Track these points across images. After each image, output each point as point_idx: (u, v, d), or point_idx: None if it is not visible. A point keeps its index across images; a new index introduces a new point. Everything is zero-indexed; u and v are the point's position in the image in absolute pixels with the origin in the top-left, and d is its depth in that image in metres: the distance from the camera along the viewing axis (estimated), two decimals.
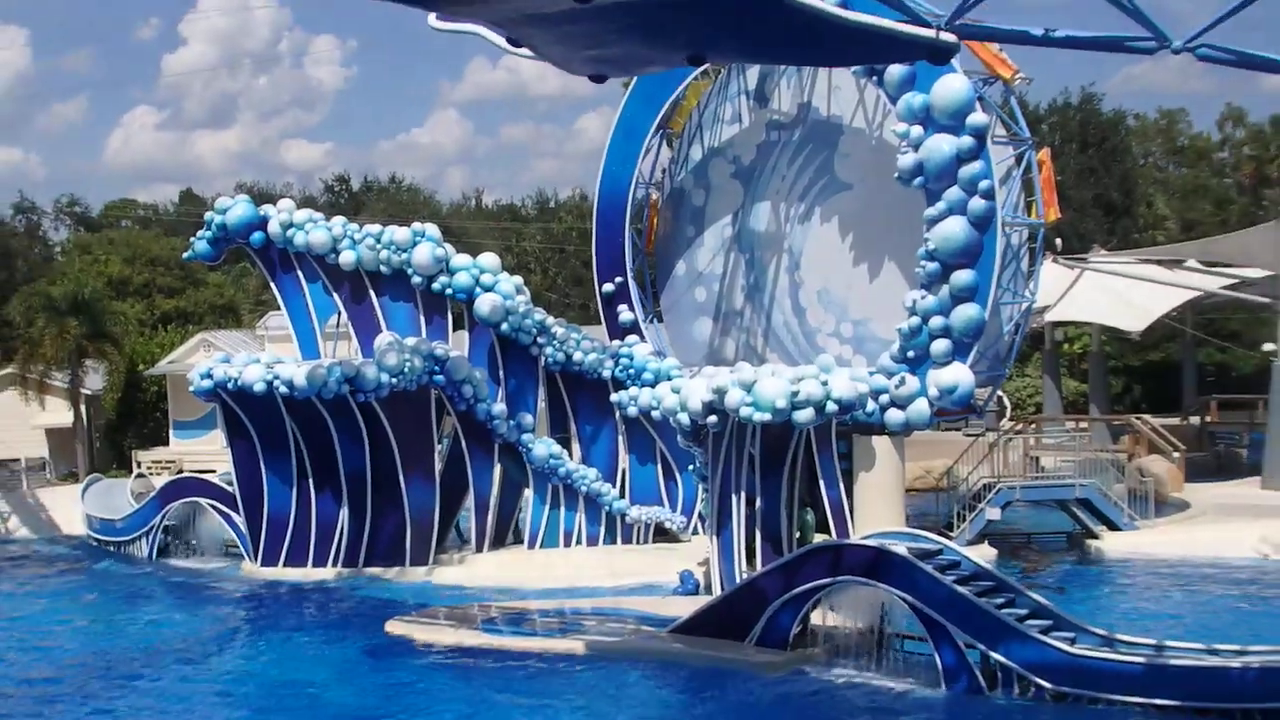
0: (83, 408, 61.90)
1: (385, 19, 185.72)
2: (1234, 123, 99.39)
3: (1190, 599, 35.76)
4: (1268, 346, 52.82)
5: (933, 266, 36.39)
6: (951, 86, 36.17)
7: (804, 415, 33.06)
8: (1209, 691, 25.47)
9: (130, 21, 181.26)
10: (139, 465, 59.75)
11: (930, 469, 45.38)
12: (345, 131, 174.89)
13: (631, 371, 42.60)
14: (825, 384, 33.33)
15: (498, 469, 42.68)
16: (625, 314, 44.61)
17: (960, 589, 27.43)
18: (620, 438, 43.50)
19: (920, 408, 35.16)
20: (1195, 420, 60.69)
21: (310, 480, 41.65)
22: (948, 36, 19.30)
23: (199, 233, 44.02)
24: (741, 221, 43.02)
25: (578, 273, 79.53)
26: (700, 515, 40.54)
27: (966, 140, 36.09)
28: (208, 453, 54.63)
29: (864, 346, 39.64)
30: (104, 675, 31.89)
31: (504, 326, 42.44)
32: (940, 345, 36.29)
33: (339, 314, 43.72)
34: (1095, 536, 41.79)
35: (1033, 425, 50.50)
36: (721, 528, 35.01)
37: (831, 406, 33.23)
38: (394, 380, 40.03)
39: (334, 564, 41.66)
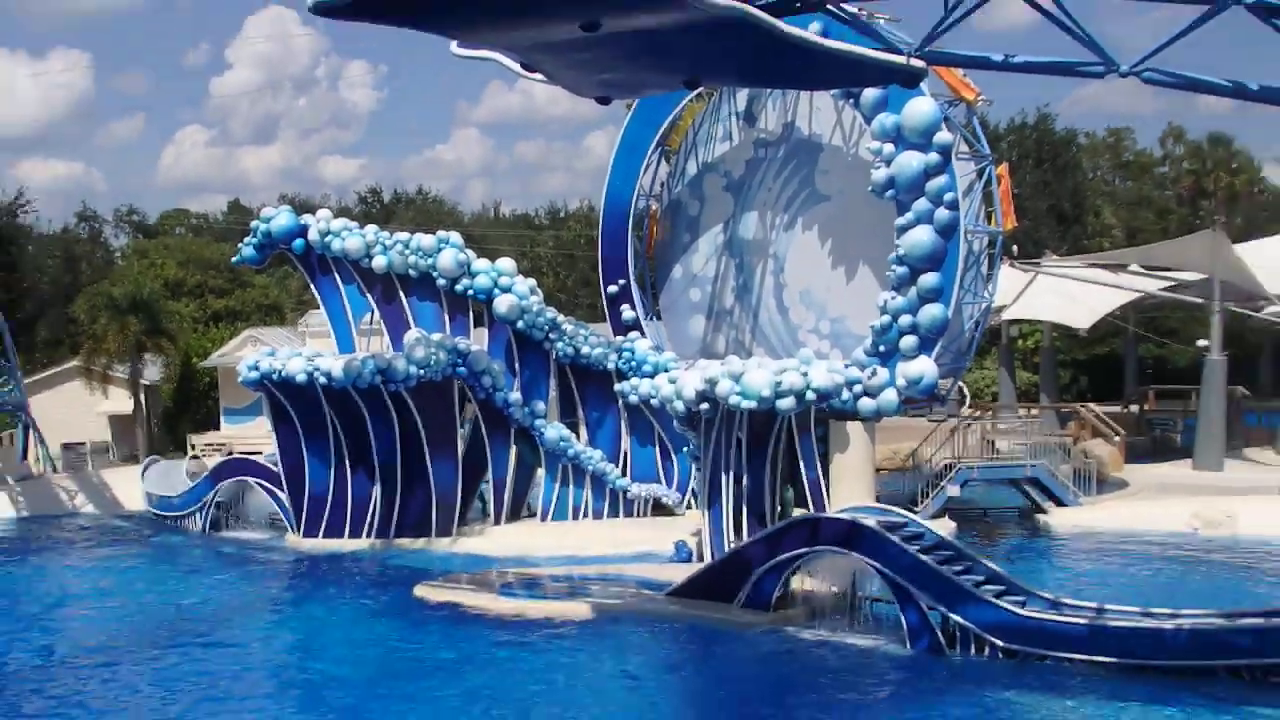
0: (142, 396, 61.94)
1: (413, 46, 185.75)
2: (1174, 140, 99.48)
3: (1128, 567, 35.81)
4: (1201, 342, 52.92)
5: (902, 270, 36.44)
6: (920, 108, 36.21)
7: (786, 403, 33.22)
8: (1144, 650, 25.54)
9: (181, 48, 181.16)
10: (193, 447, 59.76)
11: (898, 451, 45.36)
12: (377, 148, 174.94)
13: (633, 364, 42.67)
14: (805, 375, 33.47)
15: (513, 450, 42.75)
16: (628, 312, 44.66)
17: (924, 558, 27.50)
18: (623, 423, 43.54)
19: (890, 396, 35.22)
20: (1135, 408, 60.91)
21: (346, 460, 41.72)
22: (917, 63, 19.39)
23: (246, 239, 44.16)
24: (732, 230, 43.06)
25: (585, 276, 79.44)
26: (693, 492, 40.57)
27: (933, 156, 36.12)
28: (255, 436, 54.66)
29: (840, 341, 39.69)
30: (163, 634, 31.97)
31: (519, 324, 42.60)
32: (908, 341, 36.35)
33: (372, 312, 43.81)
34: (1044, 511, 41.83)
35: (989, 412, 50.57)
36: (712, 503, 35.09)
37: (811, 395, 33.39)
38: (421, 371, 40.14)
39: (368, 535, 41.72)
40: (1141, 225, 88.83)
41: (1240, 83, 19.20)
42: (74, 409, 60.97)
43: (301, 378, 40.35)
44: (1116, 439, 50.42)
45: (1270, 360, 60.64)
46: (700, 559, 35.15)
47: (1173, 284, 52.70)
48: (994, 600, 26.85)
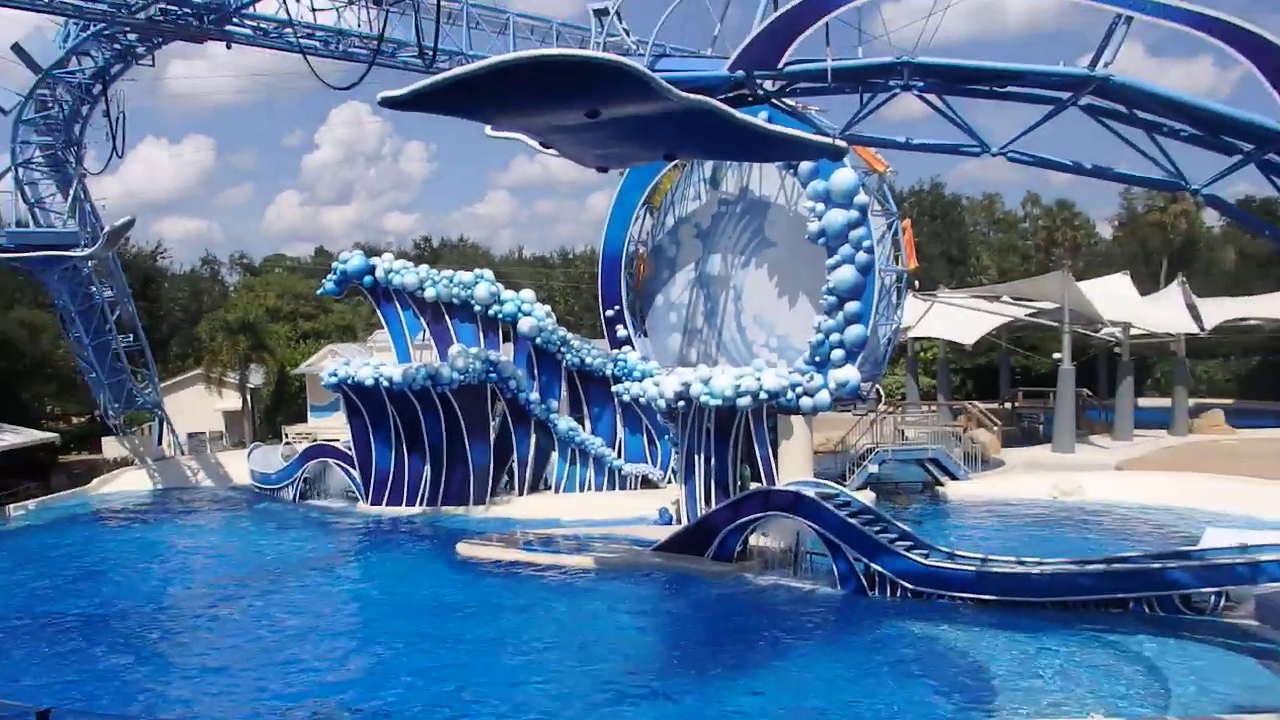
0: (248, 397, 61.82)
1: (456, 130, 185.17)
2: (1032, 203, 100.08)
3: (1004, 527, 35.78)
4: (1055, 355, 53.03)
5: (832, 299, 36.32)
6: (844, 176, 36.12)
7: (744, 401, 33.23)
8: (1017, 589, 25.69)
9: (281, 132, 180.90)
10: (287, 436, 59.52)
11: (830, 438, 45.28)
12: (428, 206, 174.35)
13: (626, 370, 42.55)
14: (759, 379, 33.50)
15: (533, 438, 42.59)
16: (621, 331, 44.52)
17: (851, 520, 27.55)
18: (618, 416, 43.40)
19: (823, 396, 35.08)
20: (1008, 405, 60.92)
21: (404, 446, 41.61)
22: (840, 143, 19.43)
23: (328, 276, 44.16)
24: (701, 268, 42.93)
25: (588, 303, 79.09)
26: (673, 470, 40.47)
27: (854, 213, 36.01)
28: (334, 427, 54.41)
29: (785, 353, 39.55)
30: (264, 578, 32.00)
31: (538, 340, 42.55)
32: (837, 353, 36.21)
33: (424, 332, 43.69)
34: (941, 484, 41.80)
35: (899, 408, 50.48)
36: (687, 478, 35.04)
37: (763, 395, 33.42)
38: (462, 377, 40.07)
39: (420, 504, 41.56)
40: (1010, 267, 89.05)
41: (1079, 162, 19.56)
42: (197, 406, 60.79)
43: (369, 382, 40.36)
44: (995, 429, 50.40)
45: (1105, 368, 60.69)
46: (678, 522, 35.08)
47: (1034, 311, 52.77)
48: (904, 553, 26.93)
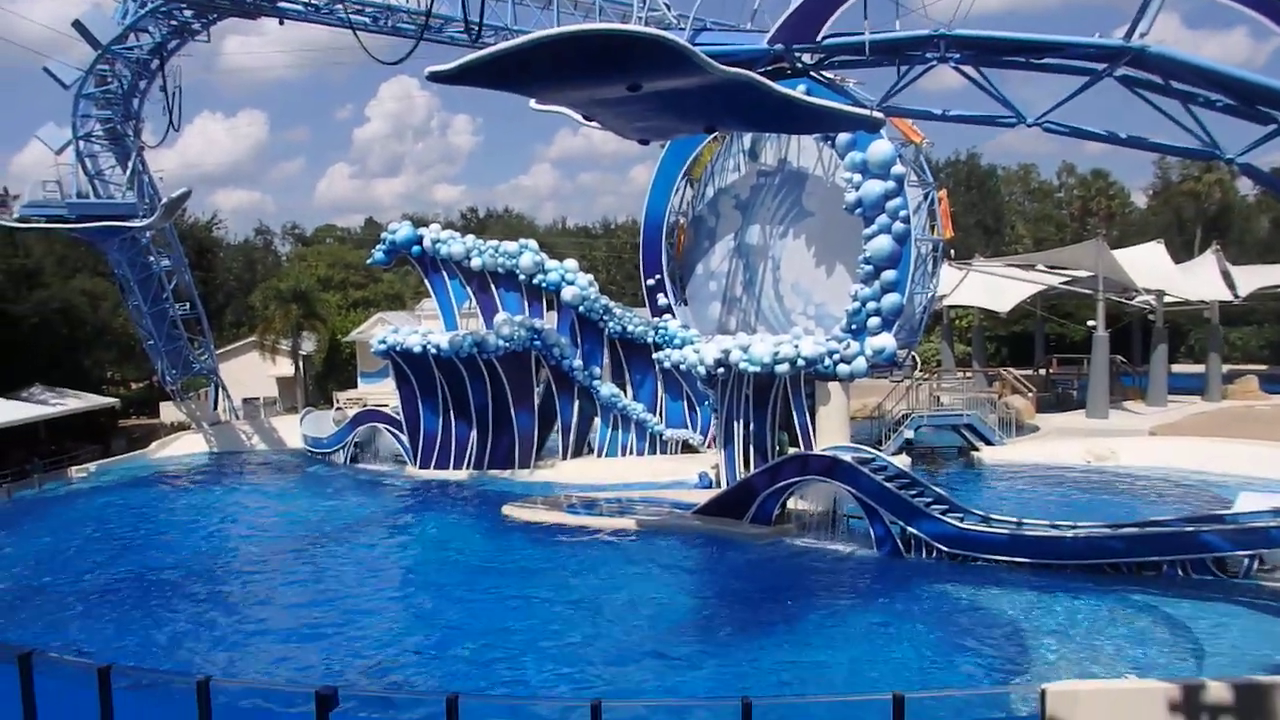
0: (300, 363, 62.23)
1: (502, 104, 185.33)
2: (1067, 173, 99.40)
3: (1038, 491, 35.61)
4: (1090, 323, 52.57)
5: (868, 268, 36.20)
6: (880, 148, 35.94)
7: (782, 368, 33.21)
8: (1050, 552, 25.57)
9: (332, 106, 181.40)
10: (338, 401, 59.92)
11: (867, 404, 45.15)
12: (475, 178, 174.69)
13: (667, 338, 42.56)
14: (796, 347, 33.47)
15: (576, 404, 42.69)
16: (662, 300, 44.47)
17: (887, 484, 27.50)
18: (659, 383, 43.37)
19: (860, 363, 35.00)
20: (1043, 372, 60.54)
21: (451, 411, 41.82)
22: (878, 115, 19.30)
23: (377, 246, 44.24)
24: (740, 238, 42.82)
25: (630, 272, 79.00)
26: (712, 435, 40.48)
27: (891, 184, 35.86)
28: (383, 393, 54.71)
29: (822, 321, 39.43)
30: (316, 537, 32.32)
31: (581, 308, 42.58)
32: (873, 321, 36.11)
33: (470, 300, 43.79)
34: (977, 450, 41.58)
35: (935, 375, 50.27)
36: (727, 443, 35.07)
37: (801, 362, 33.40)
38: (507, 344, 40.20)
39: (466, 468, 41.79)
40: (1045, 236, 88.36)
41: (1114, 132, 19.31)
42: (251, 372, 61.28)
43: (418, 349, 40.58)
44: (1030, 395, 50.11)
45: (1140, 335, 60.19)
46: (718, 486, 35.12)
47: (1068, 279, 52.37)
48: (940, 516, 26.85)
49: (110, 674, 12.93)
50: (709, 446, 41.80)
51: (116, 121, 42.59)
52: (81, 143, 42.12)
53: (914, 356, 41.69)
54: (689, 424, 43.63)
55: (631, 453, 42.96)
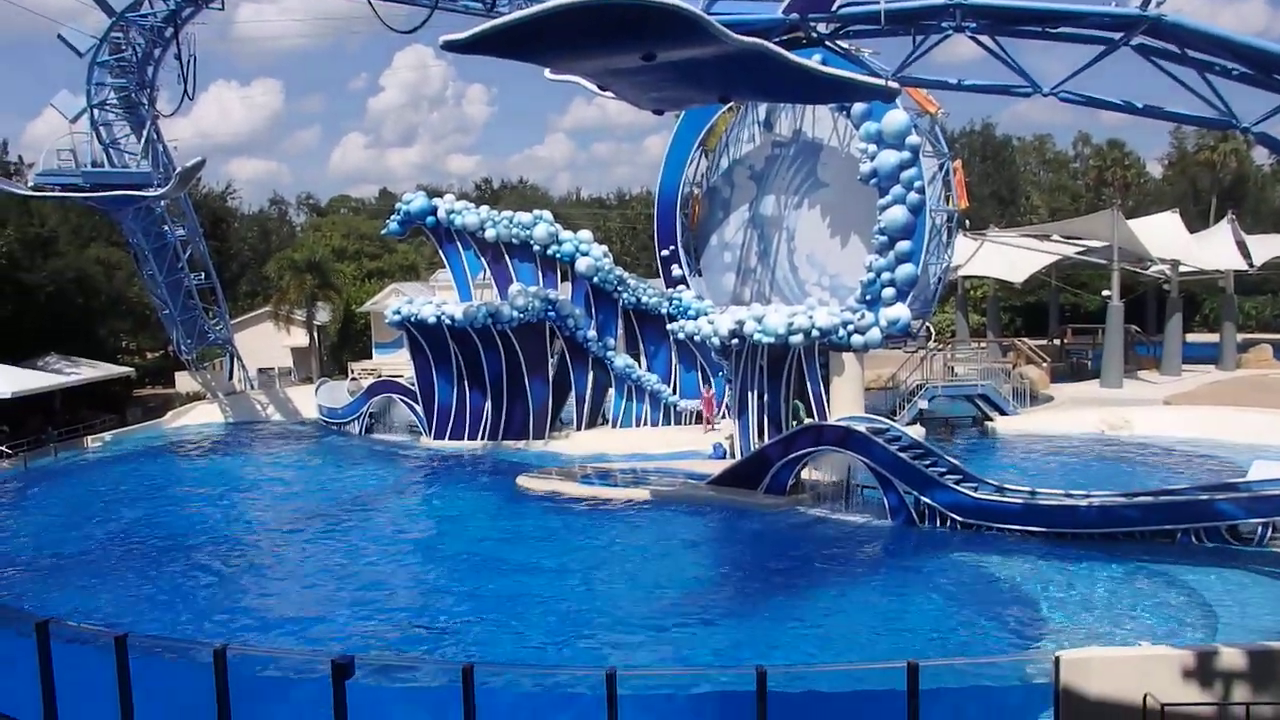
0: (315, 334, 62.42)
1: (517, 73, 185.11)
2: (1083, 143, 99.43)
3: (1052, 461, 35.63)
4: (1104, 292, 52.51)
5: (883, 239, 36.15)
6: (896, 118, 35.84)
7: (797, 338, 33.21)
8: (1064, 522, 25.62)
9: (347, 75, 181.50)
10: (353, 372, 60.07)
11: (881, 374, 45.10)
12: (489, 148, 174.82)
13: (681, 309, 42.49)
14: (811, 317, 33.47)
15: (591, 375, 42.72)
16: (676, 271, 44.43)
17: (901, 454, 27.54)
18: (673, 354, 43.34)
19: (874, 333, 35.00)
20: (1057, 342, 60.42)
21: (465, 382, 41.87)
22: (893, 85, 19.24)
23: (391, 217, 44.27)
24: (755, 208, 42.75)
25: (644, 243, 78.77)
26: (726, 406, 40.49)
27: (906, 154, 35.77)
28: (398, 363, 54.81)
29: (837, 292, 39.37)
30: (333, 509, 32.42)
31: (595, 279, 42.55)
32: (888, 292, 36.09)
33: (484, 271, 43.79)
34: (991, 419, 41.56)
35: (949, 345, 50.22)
36: (741, 413, 35.12)
37: (815, 332, 33.39)
38: (521, 315, 40.23)
39: (481, 438, 41.88)
40: (1060, 206, 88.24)
41: (1130, 102, 19.23)
42: (265, 342, 61.47)
43: (432, 320, 40.60)
44: (1044, 365, 50.08)
45: (1154, 305, 60.03)
46: (732, 456, 35.17)
47: (1083, 249, 52.24)
48: (953, 486, 26.90)
49: (127, 642, 13.05)
50: (723, 417, 41.84)
51: (131, 90, 42.62)
52: (96, 111, 42.19)
53: (928, 327, 41.68)
54: (702, 395, 43.62)
55: (646, 424, 42.99)
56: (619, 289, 42.97)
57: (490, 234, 42.98)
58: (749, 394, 34.63)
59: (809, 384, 34.68)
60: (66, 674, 13.61)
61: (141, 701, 12.99)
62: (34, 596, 23.66)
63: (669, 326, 40.43)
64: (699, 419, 42.49)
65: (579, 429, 42.75)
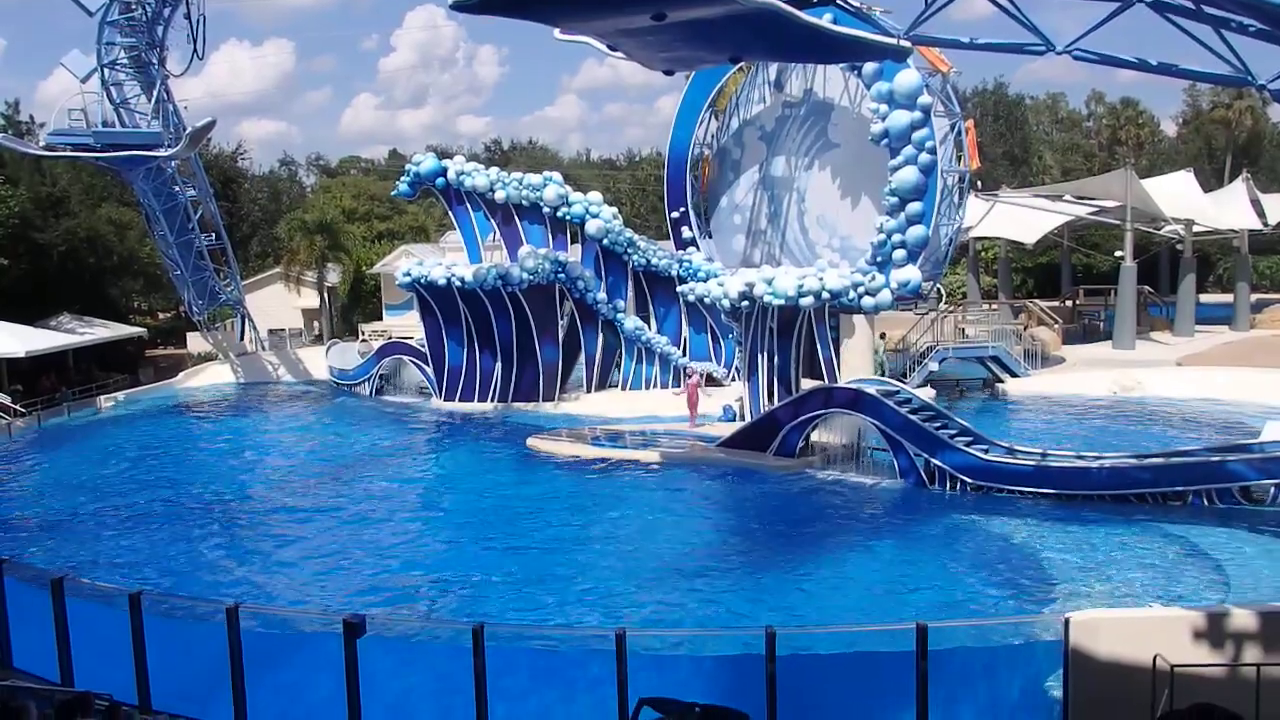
0: (325, 295, 62.58)
1: (527, 34, 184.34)
2: (1096, 102, 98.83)
3: (1064, 422, 35.63)
4: (1117, 253, 52.46)
5: (894, 200, 35.99)
6: (907, 77, 35.61)
7: (807, 300, 33.19)
8: (1076, 484, 25.58)
9: (358, 35, 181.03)
10: (363, 333, 60.18)
11: (891, 336, 45.07)
12: (499, 109, 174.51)
13: (691, 271, 42.40)
14: (821, 279, 33.43)
15: (601, 337, 42.70)
16: (686, 232, 44.37)
17: (911, 416, 27.53)
18: (683, 316, 43.35)
19: (885, 295, 34.90)
20: (1069, 303, 60.27)
21: (475, 343, 41.89)
22: (905, 43, 19.08)
23: (401, 178, 44.28)
24: (765, 170, 42.59)
25: (654, 205, 78.57)
26: (736, 368, 40.48)
27: (917, 114, 35.55)
28: (408, 325, 54.87)
29: (848, 254, 39.26)
30: (343, 468, 32.62)
31: (605, 241, 42.46)
32: (899, 253, 35.94)
33: (494, 233, 43.73)
34: (1002, 381, 41.55)
35: (960, 307, 50.13)
36: (751, 376, 35.14)
37: (825, 294, 33.39)
38: (531, 277, 40.16)
39: (491, 400, 41.95)
40: (1072, 166, 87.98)
41: (1144, 59, 19.04)
42: (276, 304, 61.63)
43: (442, 281, 40.60)
44: (1056, 326, 50.05)
45: (1167, 265, 59.86)
46: (742, 419, 35.20)
47: (1096, 210, 52.11)
48: (964, 448, 26.88)
49: (141, 599, 13.12)
50: (732, 379, 41.80)
51: (141, 49, 42.57)
52: (107, 71, 42.14)
53: (939, 289, 41.53)
54: (713, 357, 43.60)
55: (656, 386, 43.00)
56: (629, 251, 42.88)
57: (500, 196, 42.90)
58: (759, 356, 34.61)
59: (819, 346, 34.67)
60: (81, 630, 13.69)
61: (155, 658, 13.07)
62: (48, 554, 23.80)
63: (679, 289, 40.40)
64: (709, 381, 42.41)
65: (589, 391, 42.79)
